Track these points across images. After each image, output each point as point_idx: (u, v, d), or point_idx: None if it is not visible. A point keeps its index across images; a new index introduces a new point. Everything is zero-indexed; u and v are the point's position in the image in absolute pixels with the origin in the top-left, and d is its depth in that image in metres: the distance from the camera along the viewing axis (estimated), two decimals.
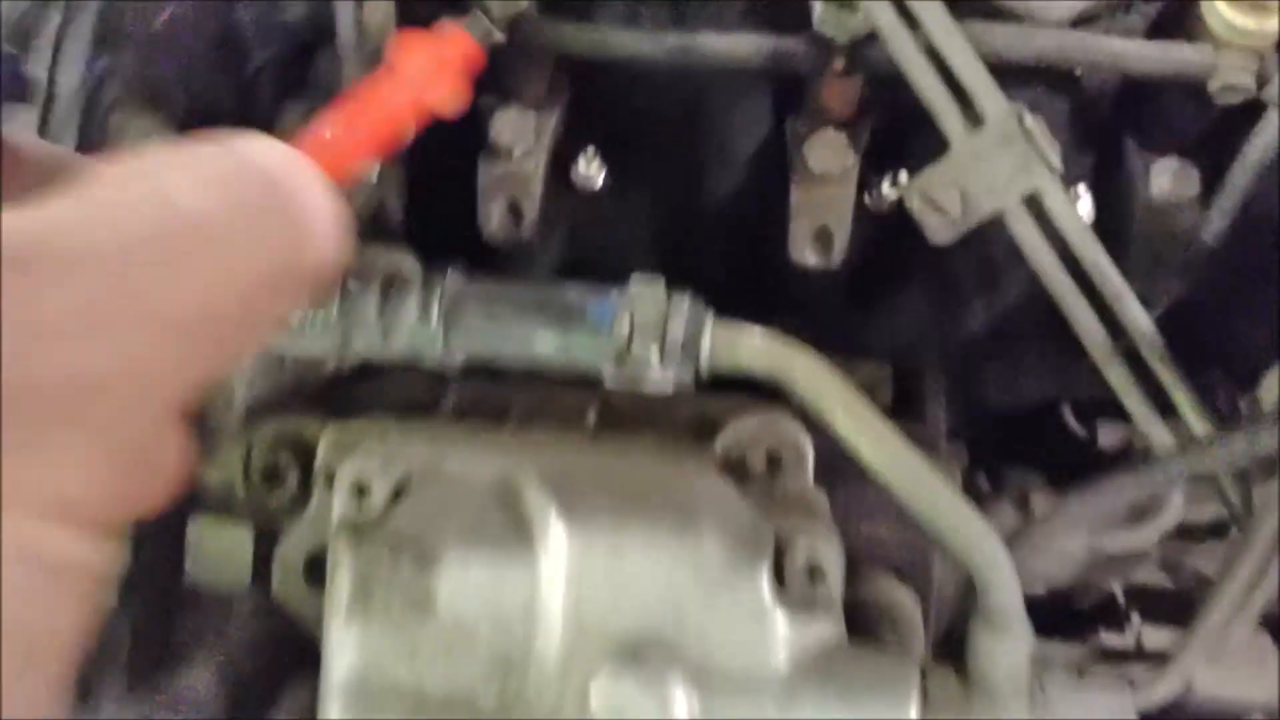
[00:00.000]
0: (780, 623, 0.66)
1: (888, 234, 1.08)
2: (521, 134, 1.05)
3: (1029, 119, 0.84)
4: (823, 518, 0.72)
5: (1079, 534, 0.89)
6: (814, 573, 0.67)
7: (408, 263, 0.82)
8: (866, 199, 1.09)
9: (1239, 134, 0.95)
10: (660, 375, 0.65)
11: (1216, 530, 0.99)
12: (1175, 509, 0.90)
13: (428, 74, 0.77)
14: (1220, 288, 1.08)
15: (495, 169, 1.04)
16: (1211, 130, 1.01)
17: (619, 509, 0.66)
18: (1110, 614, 1.10)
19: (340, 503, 0.67)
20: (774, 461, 0.76)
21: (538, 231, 1.08)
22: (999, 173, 0.85)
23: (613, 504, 0.66)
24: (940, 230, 0.87)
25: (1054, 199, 0.86)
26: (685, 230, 1.15)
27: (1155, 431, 0.87)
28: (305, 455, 0.77)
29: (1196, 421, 0.87)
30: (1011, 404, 1.21)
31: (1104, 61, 0.91)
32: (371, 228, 1.03)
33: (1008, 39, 0.89)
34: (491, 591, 0.65)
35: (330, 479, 0.68)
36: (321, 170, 0.39)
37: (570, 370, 0.67)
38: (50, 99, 0.87)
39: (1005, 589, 0.67)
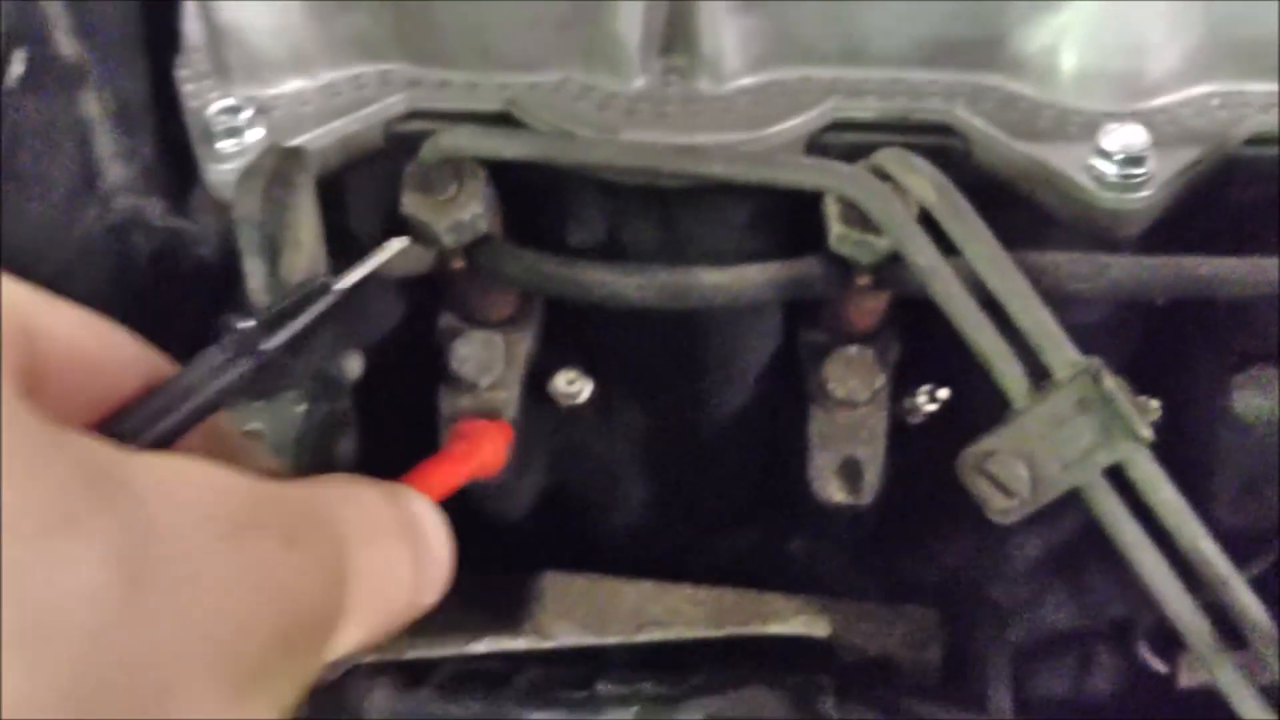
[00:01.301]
0: None
1: (923, 451, 0.92)
2: (488, 363, 0.89)
3: (1109, 379, 0.67)
4: None
5: None
6: None
7: None
8: (900, 411, 0.94)
9: None
10: None
11: None
12: None
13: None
14: None
15: (459, 402, 0.88)
16: None
17: None
18: None
19: None
20: None
21: (515, 462, 0.91)
22: (1074, 444, 0.68)
23: None
24: (1007, 512, 0.70)
25: (1143, 471, 0.69)
26: (686, 451, 0.99)
27: None
28: None
29: None
30: (1079, 628, 1.05)
31: (1192, 289, 0.74)
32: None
33: (1074, 270, 0.73)
34: None
35: None
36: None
37: None
38: None
39: None
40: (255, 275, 0.69)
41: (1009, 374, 0.69)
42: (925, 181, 0.69)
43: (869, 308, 0.86)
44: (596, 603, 0.87)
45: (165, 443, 0.45)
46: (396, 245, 0.73)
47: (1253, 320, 0.85)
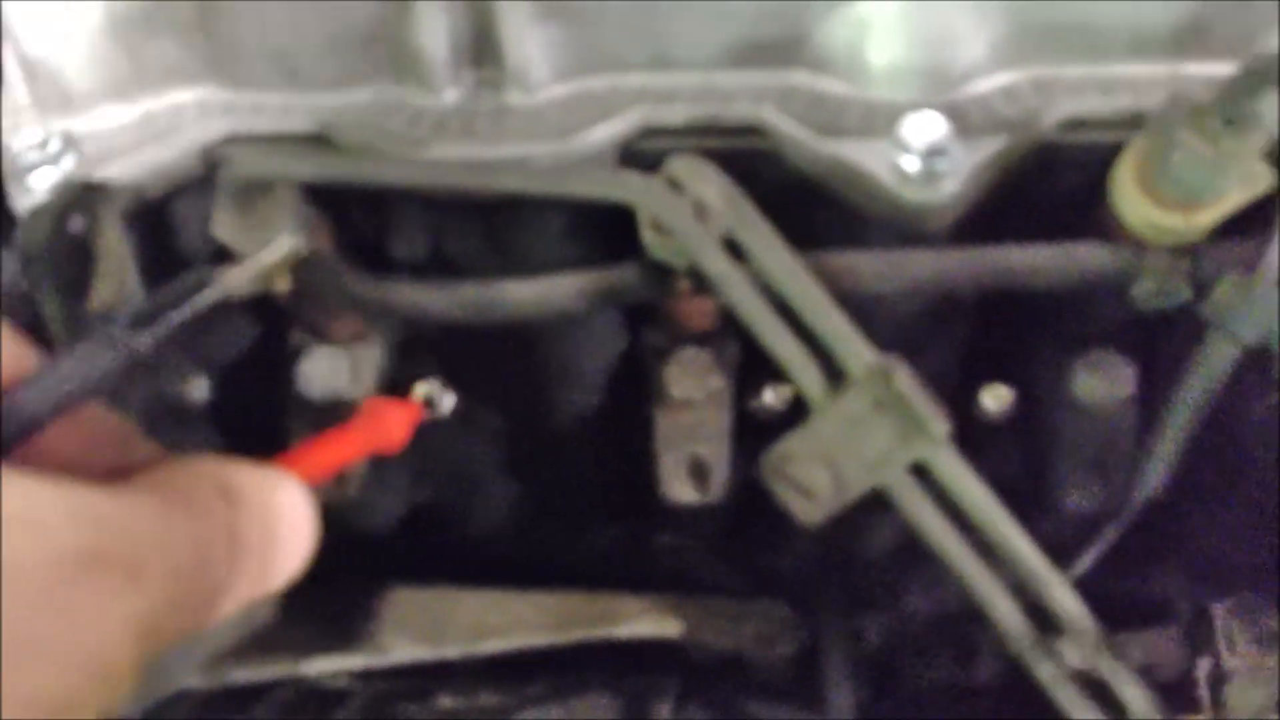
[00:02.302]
0: None
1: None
2: (333, 379, 0.89)
3: (902, 377, 0.67)
4: None
5: None
6: None
7: None
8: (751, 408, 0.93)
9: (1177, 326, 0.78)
10: None
11: None
12: None
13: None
14: (1174, 482, 0.92)
15: (306, 418, 0.88)
16: (1144, 321, 0.85)
17: None
18: None
19: None
20: None
21: (371, 485, 0.92)
22: (873, 444, 0.68)
23: None
24: (808, 513, 0.70)
25: (946, 469, 0.69)
26: (545, 457, 0.99)
27: None
28: None
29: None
30: (952, 615, 1.04)
31: (1000, 280, 0.74)
32: None
33: (873, 269, 0.73)
34: None
35: None
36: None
37: None
38: None
39: None
40: (50, 309, 0.70)
41: (804, 377, 0.69)
42: (713, 189, 0.68)
43: (701, 309, 0.86)
44: (435, 615, 0.86)
45: (26, 434, 0.48)
46: (285, 243, 0.74)
47: (1090, 304, 0.85)
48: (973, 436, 0.81)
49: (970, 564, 0.70)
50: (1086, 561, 0.80)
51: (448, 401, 0.96)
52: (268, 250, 0.71)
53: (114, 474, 0.49)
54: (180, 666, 0.78)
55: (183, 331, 0.61)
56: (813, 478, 0.69)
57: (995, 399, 0.94)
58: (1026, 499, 0.80)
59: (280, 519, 0.53)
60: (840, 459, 0.68)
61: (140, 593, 0.44)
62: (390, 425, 0.82)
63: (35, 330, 0.80)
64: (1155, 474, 0.74)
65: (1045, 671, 0.71)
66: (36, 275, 0.68)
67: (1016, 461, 0.93)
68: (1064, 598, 0.70)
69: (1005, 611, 0.70)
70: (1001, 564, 0.71)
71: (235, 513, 0.50)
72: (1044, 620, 0.72)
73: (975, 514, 0.69)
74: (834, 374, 0.70)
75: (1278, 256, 0.69)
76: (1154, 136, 0.67)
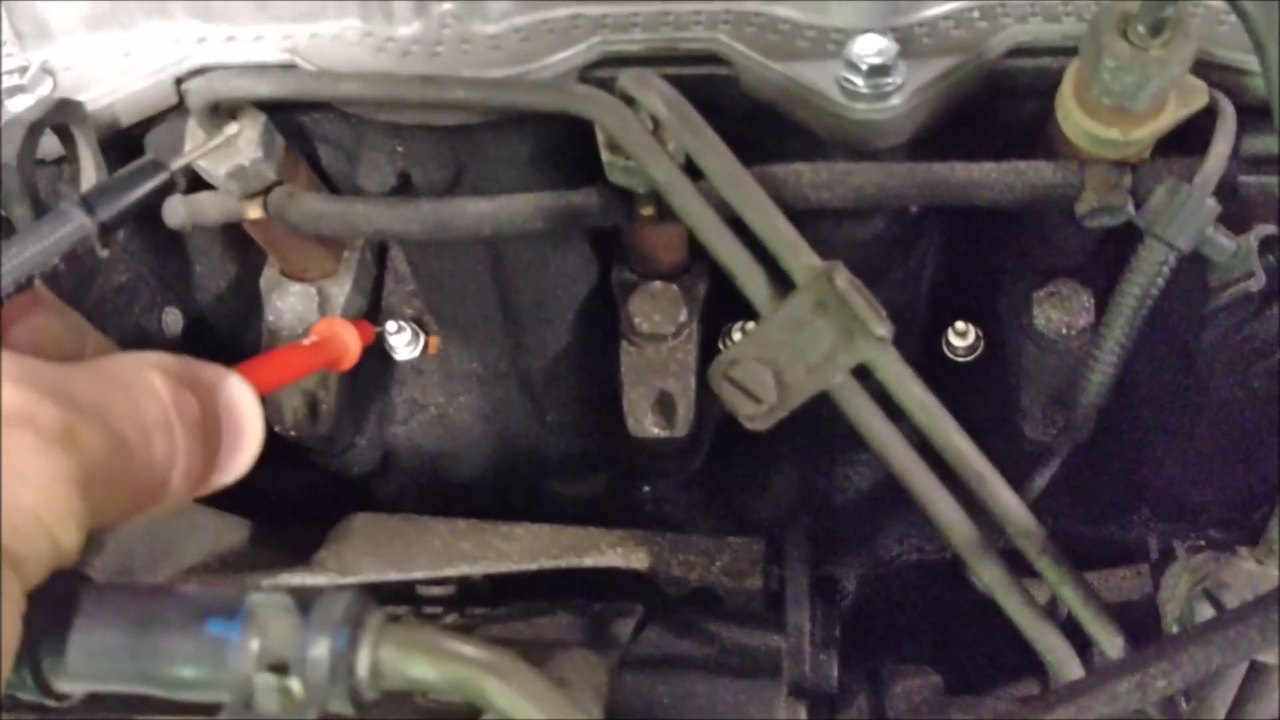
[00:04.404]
0: None
1: None
2: (304, 314, 0.91)
3: (840, 279, 0.68)
4: None
5: None
6: None
7: None
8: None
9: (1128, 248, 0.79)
10: (299, 707, 0.50)
11: None
12: None
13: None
14: (1138, 421, 0.93)
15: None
16: (1100, 246, 0.86)
17: None
18: None
19: None
20: None
21: (342, 420, 0.93)
22: (817, 347, 0.69)
23: None
24: (755, 418, 0.71)
25: (888, 370, 0.70)
26: (518, 398, 1.01)
27: (1046, 644, 0.72)
28: None
29: (1100, 632, 0.71)
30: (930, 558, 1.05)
31: (950, 194, 0.75)
32: None
33: (822, 180, 0.74)
34: None
35: None
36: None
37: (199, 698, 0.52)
38: None
39: None
40: (18, 217, 0.72)
41: (751, 282, 0.70)
42: (656, 97, 0.70)
43: (666, 240, 0.88)
44: (406, 540, 0.88)
45: None
46: (230, 129, 0.76)
47: (1052, 236, 0.86)
48: (944, 377, 0.83)
49: (914, 464, 0.71)
50: (1042, 479, 0.81)
51: (413, 344, 0.98)
52: (217, 136, 0.74)
53: (66, 360, 0.52)
54: (143, 571, 0.80)
55: (135, 211, 0.63)
56: (758, 382, 0.70)
57: (961, 337, 0.95)
58: (997, 436, 0.82)
59: (226, 409, 0.56)
60: (784, 363, 0.70)
61: (73, 455, 0.47)
62: (340, 342, 0.85)
63: None
64: (1098, 381, 0.75)
65: (992, 576, 0.71)
66: (8, 183, 0.70)
67: (988, 400, 0.94)
68: (1006, 498, 0.71)
69: (944, 508, 0.71)
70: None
71: (180, 396, 0.53)
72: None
73: (918, 415, 0.70)
74: (783, 286, 0.71)
75: (1215, 166, 0.70)
76: (1088, 46, 0.69)
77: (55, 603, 0.51)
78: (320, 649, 0.47)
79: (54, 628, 0.51)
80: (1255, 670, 0.67)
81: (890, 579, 1.06)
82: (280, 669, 0.48)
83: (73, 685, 0.52)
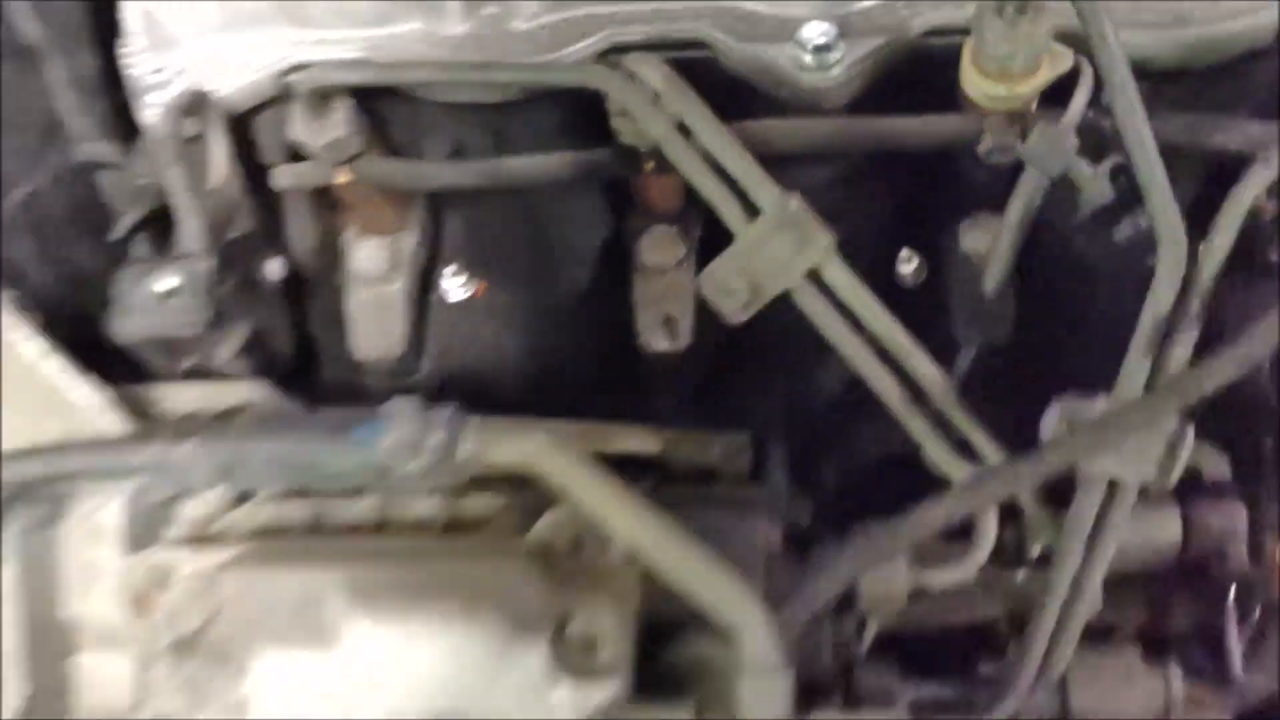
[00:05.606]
0: (561, 689, 0.73)
1: None
2: (379, 262, 1.14)
3: (794, 203, 0.91)
4: (615, 590, 0.79)
5: (900, 572, 0.95)
6: (591, 641, 0.74)
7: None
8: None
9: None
10: (422, 479, 0.72)
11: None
12: (988, 538, 0.95)
13: None
14: (1046, 329, 1.14)
15: (361, 295, 1.13)
16: (1009, 187, 1.08)
17: (411, 603, 0.74)
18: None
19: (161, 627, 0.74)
20: (579, 544, 0.83)
21: (410, 350, 1.16)
22: (779, 255, 0.92)
23: (406, 600, 0.74)
24: (734, 313, 0.94)
25: (833, 271, 0.93)
26: (551, 330, 1.23)
27: (954, 469, 0.94)
28: None
29: (992, 453, 0.93)
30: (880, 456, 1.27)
31: (880, 141, 0.98)
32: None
33: (782, 131, 0.97)
34: (298, 692, 0.73)
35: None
36: None
37: (346, 485, 0.75)
38: None
39: (760, 639, 0.74)
40: (170, 179, 0.95)
41: (728, 211, 0.93)
42: (654, 71, 0.93)
43: (666, 188, 1.10)
44: None
45: None
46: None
47: (970, 176, 1.09)
48: (897, 299, 1.04)
49: (858, 348, 0.94)
50: (963, 364, 1.03)
51: (465, 287, 1.20)
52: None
53: None
54: None
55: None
56: (735, 285, 0.93)
57: (907, 264, 1.17)
58: (945, 349, 1.03)
59: None
60: (754, 269, 0.93)
61: None
62: None
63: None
64: (996, 273, 0.98)
65: (914, 424, 0.94)
66: (167, 155, 0.93)
67: (936, 320, 1.16)
68: (921, 363, 0.93)
69: (884, 381, 0.94)
70: None
71: None
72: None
73: (858, 308, 0.93)
74: (754, 214, 0.94)
75: (1074, 112, 0.93)
76: (975, 24, 0.91)
77: (238, 429, 0.74)
78: (436, 437, 0.70)
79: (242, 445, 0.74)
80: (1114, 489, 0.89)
81: (864, 474, 1.28)
82: (407, 452, 0.70)
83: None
